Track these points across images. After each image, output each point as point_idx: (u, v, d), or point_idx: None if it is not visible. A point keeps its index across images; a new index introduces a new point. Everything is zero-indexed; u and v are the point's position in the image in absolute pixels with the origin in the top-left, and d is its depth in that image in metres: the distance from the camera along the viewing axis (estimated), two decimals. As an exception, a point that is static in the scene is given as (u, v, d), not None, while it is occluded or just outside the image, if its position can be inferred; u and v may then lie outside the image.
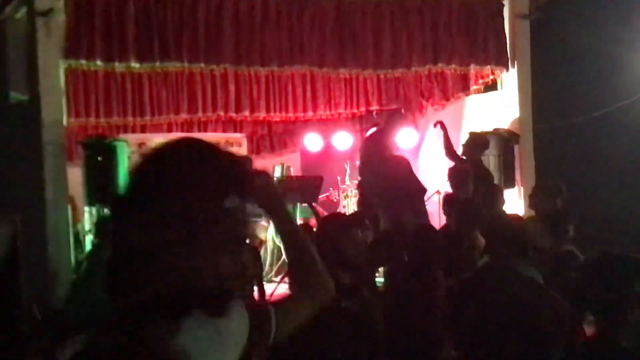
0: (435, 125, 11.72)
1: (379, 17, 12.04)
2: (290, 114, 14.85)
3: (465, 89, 13.88)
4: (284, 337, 2.53)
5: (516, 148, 12.21)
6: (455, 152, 11.18)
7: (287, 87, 14.44)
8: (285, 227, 2.85)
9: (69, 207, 10.90)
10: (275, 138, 16.00)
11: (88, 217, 11.70)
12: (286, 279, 9.35)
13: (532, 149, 12.45)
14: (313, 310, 2.69)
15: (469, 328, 5.10)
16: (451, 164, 11.00)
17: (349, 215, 9.36)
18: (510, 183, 12.12)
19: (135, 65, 11.07)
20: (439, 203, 11.26)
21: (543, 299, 4.85)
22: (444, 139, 11.38)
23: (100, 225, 9.87)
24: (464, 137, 11.85)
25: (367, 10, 11.98)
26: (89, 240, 11.47)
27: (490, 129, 12.50)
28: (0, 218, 8.70)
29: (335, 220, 5.91)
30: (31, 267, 9.49)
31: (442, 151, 11.42)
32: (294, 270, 2.81)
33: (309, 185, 12.17)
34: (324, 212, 13.76)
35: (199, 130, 14.99)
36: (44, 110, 10.45)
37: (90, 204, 11.13)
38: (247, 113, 14.56)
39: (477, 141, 11.30)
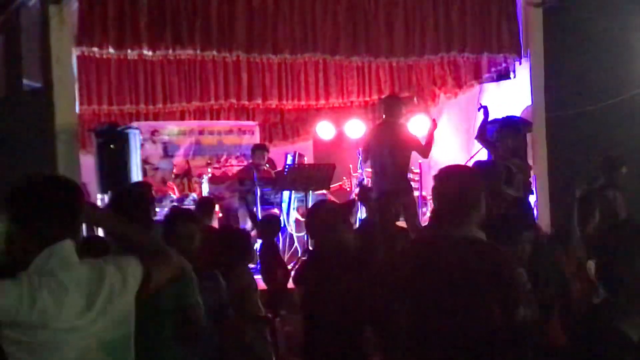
0: (479, 110, 11.68)
1: (392, 5, 12.02)
2: (303, 102, 14.88)
3: (477, 77, 13.87)
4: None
5: (529, 136, 12.17)
6: (488, 139, 11.16)
7: (300, 75, 14.47)
8: (120, 231, 3.70)
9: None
10: (287, 126, 16.00)
11: (100, 204, 11.72)
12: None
13: (545, 137, 12.42)
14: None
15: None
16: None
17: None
18: (523, 171, 12.09)
19: (147, 53, 11.10)
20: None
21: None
22: (482, 124, 11.34)
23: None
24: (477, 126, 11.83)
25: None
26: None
27: (503, 117, 12.47)
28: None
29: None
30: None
31: (476, 133, 11.41)
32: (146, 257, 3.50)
33: (321, 173, 12.18)
34: (336, 201, 13.79)
35: (212, 118, 15.01)
36: (57, 98, 10.49)
37: (103, 191, 11.15)
38: (259, 101, 14.60)
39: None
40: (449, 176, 4.72)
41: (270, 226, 9.60)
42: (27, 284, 3.15)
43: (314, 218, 6.01)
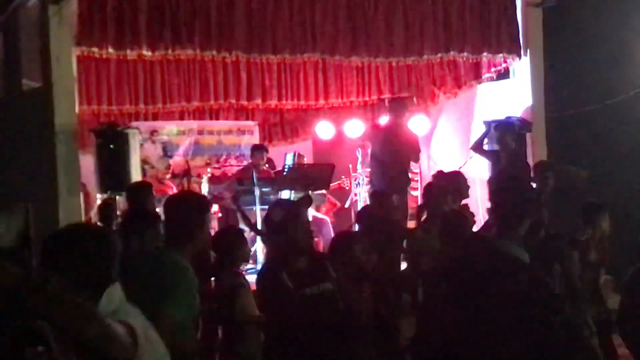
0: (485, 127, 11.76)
1: (391, 5, 12.06)
2: (302, 102, 14.86)
3: (477, 77, 13.86)
4: None
5: (528, 136, 12.17)
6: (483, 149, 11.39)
7: (299, 75, 14.45)
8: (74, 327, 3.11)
9: (81, 195, 10.92)
10: (287, 126, 15.97)
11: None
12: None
13: (545, 137, 12.42)
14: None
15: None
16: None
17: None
18: (523, 171, 12.09)
19: (147, 52, 11.10)
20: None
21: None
22: (481, 137, 11.53)
23: (104, 210, 9.93)
24: (476, 126, 11.85)
25: (380, -1, 12.00)
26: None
27: (502, 117, 12.48)
28: (13, 206, 8.75)
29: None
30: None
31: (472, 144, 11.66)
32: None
33: (320, 173, 12.17)
34: (336, 201, 13.79)
35: (211, 118, 14.99)
36: (56, 98, 10.49)
37: (103, 191, 11.13)
38: (259, 101, 14.58)
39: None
40: (509, 187, 4.72)
41: None
42: None
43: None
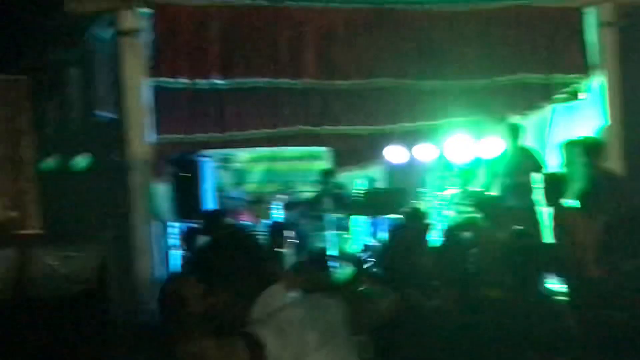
0: None
1: (460, 28, 12.00)
2: (373, 127, 14.79)
3: (548, 98, 13.67)
4: None
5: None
6: None
7: (370, 100, 14.39)
8: None
9: (156, 223, 11.01)
10: (358, 151, 15.92)
11: (178, 232, 11.81)
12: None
13: (620, 159, 12.22)
14: None
15: None
16: None
17: None
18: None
19: (219, 82, 11.17)
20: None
21: None
22: None
23: (186, 237, 10.00)
24: (549, 147, 11.70)
25: (449, 21, 11.96)
26: (172, 255, 11.57)
27: (576, 138, 12.30)
28: (89, 238, 8.87)
29: None
30: (120, 282, 9.64)
31: None
32: None
33: (393, 197, 12.15)
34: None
35: (283, 145, 15.02)
36: (130, 128, 10.61)
37: (177, 219, 11.23)
38: (330, 127, 14.55)
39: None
40: None
41: None
42: None
43: None
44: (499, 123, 12.48)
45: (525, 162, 11.91)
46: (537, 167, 11.73)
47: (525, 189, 11.78)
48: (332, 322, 3.50)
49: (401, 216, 12.56)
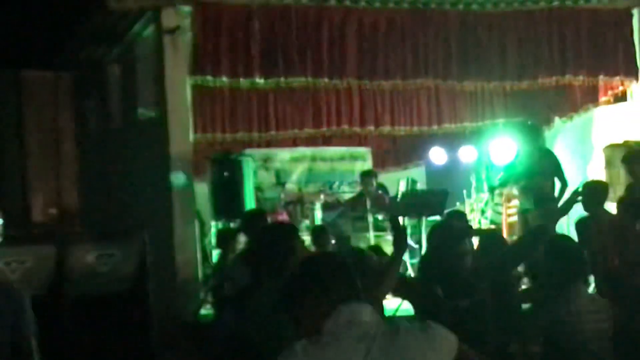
0: None
1: (504, 28, 11.90)
2: (415, 128, 14.70)
3: (594, 100, 13.50)
4: None
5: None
6: None
7: (412, 100, 14.29)
8: None
9: (196, 222, 11.01)
10: (400, 152, 15.90)
11: (215, 231, 11.81)
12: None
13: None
14: None
15: None
16: None
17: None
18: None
19: (260, 80, 11.15)
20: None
21: None
22: None
23: (222, 237, 9.98)
24: (593, 150, 11.55)
25: (492, 22, 11.87)
26: (215, 255, 11.57)
27: (621, 141, 12.16)
28: (130, 234, 8.87)
29: None
30: (160, 281, 9.65)
31: None
32: None
33: (434, 199, 12.06)
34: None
35: (324, 144, 15.01)
36: (172, 126, 10.64)
37: (217, 218, 11.22)
38: (371, 127, 14.47)
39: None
40: None
41: None
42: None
43: None
44: (518, 125, 12.26)
45: (544, 164, 11.67)
46: (556, 170, 11.38)
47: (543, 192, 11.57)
48: None
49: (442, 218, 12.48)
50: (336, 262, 3.32)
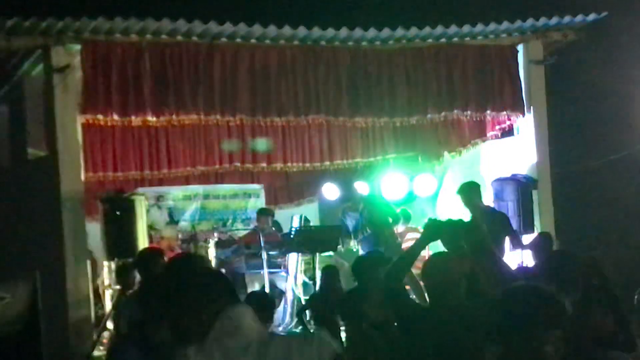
0: None
1: (393, 65, 12.06)
2: (307, 164, 14.82)
3: (482, 134, 13.80)
4: None
5: (534, 193, 12.14)
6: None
7: (304, 137, 14.43)
8: None
9: (88, 262, 10.88)
10: (293, 188, 16.00)
11: (107, 271, 11.68)
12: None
13: (551, 193, 12.39)
14: None
15: None
16: None
17: None
18: (530, 228, 12.03)
19: (151, 118, 11.09)
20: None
21: None
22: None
23: (119, 274, 9.87)
24: (482, 184, 11.78)
25: (382, 59, 12.03)
26: (108, 295, 11.44)
27: (508, 175, 12.47)
28: (20, 275, 8.73)
29: None
30: (53, 322, 9.49)
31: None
32: None
33: (328, 235, 12.15)
34: (343, 262, 13.72)
35: (217, 182, 15.01)
36: (62, 166, 10.52)
37: (110, 258, 11.10)
38: (264, 164, 14.56)
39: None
40: None
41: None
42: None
43: None
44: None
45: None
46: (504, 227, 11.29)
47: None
48: None
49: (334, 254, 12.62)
50: (203, 262, 3.45)
